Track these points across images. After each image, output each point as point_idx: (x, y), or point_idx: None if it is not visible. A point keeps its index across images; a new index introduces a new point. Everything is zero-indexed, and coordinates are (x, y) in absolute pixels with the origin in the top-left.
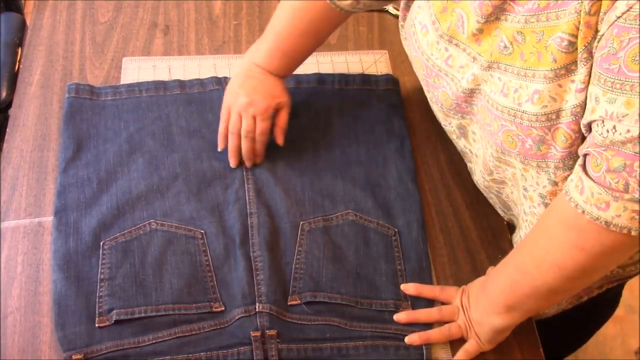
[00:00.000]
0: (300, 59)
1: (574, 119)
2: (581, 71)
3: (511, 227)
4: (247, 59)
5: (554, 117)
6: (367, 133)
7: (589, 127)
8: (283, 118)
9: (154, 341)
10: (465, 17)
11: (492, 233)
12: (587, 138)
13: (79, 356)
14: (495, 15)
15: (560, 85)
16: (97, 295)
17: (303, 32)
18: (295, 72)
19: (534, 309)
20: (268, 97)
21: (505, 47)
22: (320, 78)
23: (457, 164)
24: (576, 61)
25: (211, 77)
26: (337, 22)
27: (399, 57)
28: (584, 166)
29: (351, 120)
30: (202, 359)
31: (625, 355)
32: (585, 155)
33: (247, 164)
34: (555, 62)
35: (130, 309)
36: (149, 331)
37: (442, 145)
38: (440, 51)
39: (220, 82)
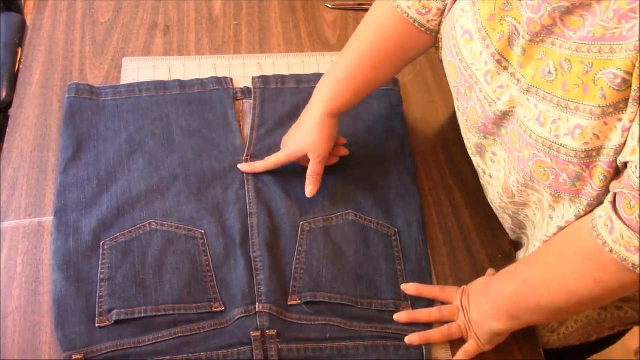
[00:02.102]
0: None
1: (615, 157)
2: (631, 110)
3: (515, 243)
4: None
5: (594, 154)
6: (367, 133)
7: (625, 165)
8: (310, 168)
9: (154, 341)
10: (519, 27)
11: (492, 233)
12: (622, 175)
13: (78, 356)
14: (541, 37)
15: (605, 123)
16: (97, 295)
17: (386, 56)
18: (295, 72)
19: (534, 322)
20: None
21: (550, 72)
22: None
23: (457, 164)
24: (626, 99)
25: (211, 77)
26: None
27: None
28: (613, 204)
29: (351, 120)
30: (202, 359)
31: (625, 355)
32: (616, 193)
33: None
34: (605, 99)
35: (130, 309)
36: (149, 331)
37: (442, 145)
38: (481, 63)
39: (221, 82)
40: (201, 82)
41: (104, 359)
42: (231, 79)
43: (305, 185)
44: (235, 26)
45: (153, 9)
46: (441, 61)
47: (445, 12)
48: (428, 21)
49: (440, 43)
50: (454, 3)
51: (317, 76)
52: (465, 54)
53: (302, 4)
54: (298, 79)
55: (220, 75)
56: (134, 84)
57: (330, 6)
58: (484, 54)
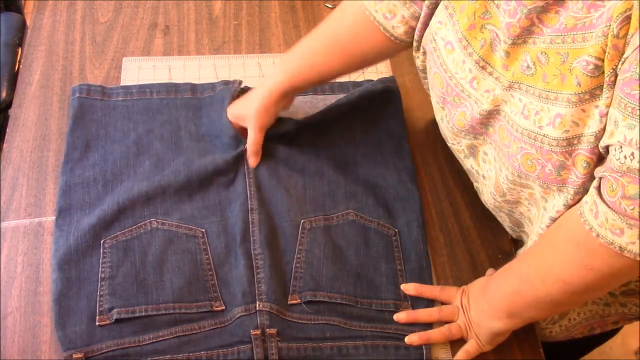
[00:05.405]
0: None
1: (596, 144)
2: (606, 95)
3: (515, 241)
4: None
5: (575, 142)
6: (366, 133)
7: (607, 149)
8: (249, 137)
9: (154, 340)
10: (500, 33)
11: (492, 233)
12: (605, 160)
13: (79, 355)
14: (522, 38)
15: (583, 110)
16: (98, 294)
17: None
18: None
19: (534, 317)
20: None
21: (528, 67)
22: (319, 87)
23: (457, 164)
24: (601, 86)
25: (222, 81)
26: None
27: (399, 57)
28: (598, 189)
29: (350, 120)
30: (202, 358)
31: (625, 355)
32: (600, 178)
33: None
34: (580, 86)
35: (130, 307)
36: (150, 330)
37: (442, 145)
38: (465, 71)
39: (228, 84)
40: (212, 86)
41: (104, 358)
42: (240, 81)
43: (248, 157)
44: (235, 26)
45: (153, 9)
46: (421, 70)
47: (418, 25)
48: (393, 27)
49: (418, 53)
50: (429, 16)
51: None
52: (449, 64)
53: (302, 4)
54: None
55: (219, 75)
56: (145, 85)
57: (330, 6)
58: (466, 63)
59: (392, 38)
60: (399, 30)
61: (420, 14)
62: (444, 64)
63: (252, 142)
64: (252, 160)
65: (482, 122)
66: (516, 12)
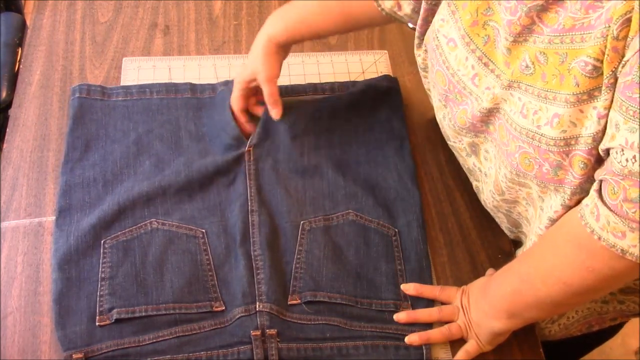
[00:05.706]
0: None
1: (594, 145)
2: (605, 97)
3: (515, 242)
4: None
5: (572, 142)
6: (367, 133)
7: (608, 152)
8: (264, 92)
9: (154, 340)
10: (502, 31)
11: (492, 233)
12: (605, 163)
13: (79, 355)
14: (523, 37)
15: (581, 111)
16: (98, 294)
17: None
18: (295, 72)
19: (534, 318)
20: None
21: (527, 66)
22: (320, 87)
23: (457, 164)
24: (600, 87)
25: (224, 81)
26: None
27: (399, 57)
28: (599, 191)
29: (351, 120)
30: (202, 358)
31: (625, 355)
32: (601, 181)
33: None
34: (578, 86)
35: (130, 307)
36: (150, 330)
37: (442, 145)
38: (467, 68)
39: (227, 84)
40: (212, 87)
41: (104, 358)
42: None
43: (269, 109)
44: (235, 26)
45: (153, 9)
46: (422, 69)
47: (419, 22)
48: None
49: (419, 51)
50: (428, 13)
51: (311, 86)
52: (452, 61)
53: None
54: (295, 89)
55: (219, 75)
56: (145, 85)
57: None
58: (469, 59)
59: (379, 9)
60: (387, 4)
61: (417, 6)
62: (447, 61)
63: (268, 95)
64: (274, 112)
65: (482, 120)
66: (517, 10)
